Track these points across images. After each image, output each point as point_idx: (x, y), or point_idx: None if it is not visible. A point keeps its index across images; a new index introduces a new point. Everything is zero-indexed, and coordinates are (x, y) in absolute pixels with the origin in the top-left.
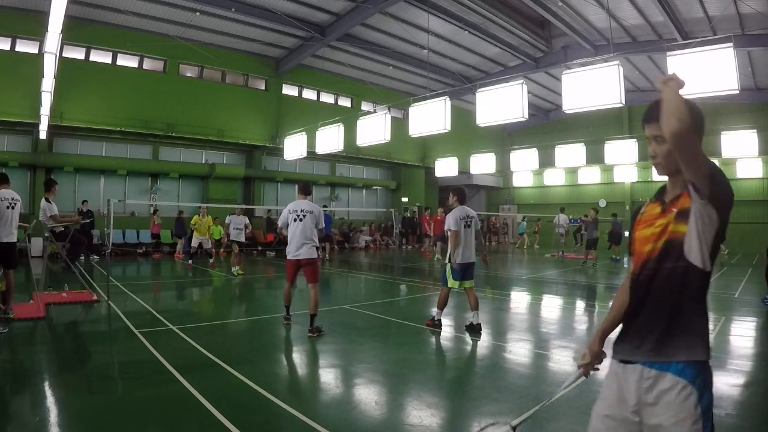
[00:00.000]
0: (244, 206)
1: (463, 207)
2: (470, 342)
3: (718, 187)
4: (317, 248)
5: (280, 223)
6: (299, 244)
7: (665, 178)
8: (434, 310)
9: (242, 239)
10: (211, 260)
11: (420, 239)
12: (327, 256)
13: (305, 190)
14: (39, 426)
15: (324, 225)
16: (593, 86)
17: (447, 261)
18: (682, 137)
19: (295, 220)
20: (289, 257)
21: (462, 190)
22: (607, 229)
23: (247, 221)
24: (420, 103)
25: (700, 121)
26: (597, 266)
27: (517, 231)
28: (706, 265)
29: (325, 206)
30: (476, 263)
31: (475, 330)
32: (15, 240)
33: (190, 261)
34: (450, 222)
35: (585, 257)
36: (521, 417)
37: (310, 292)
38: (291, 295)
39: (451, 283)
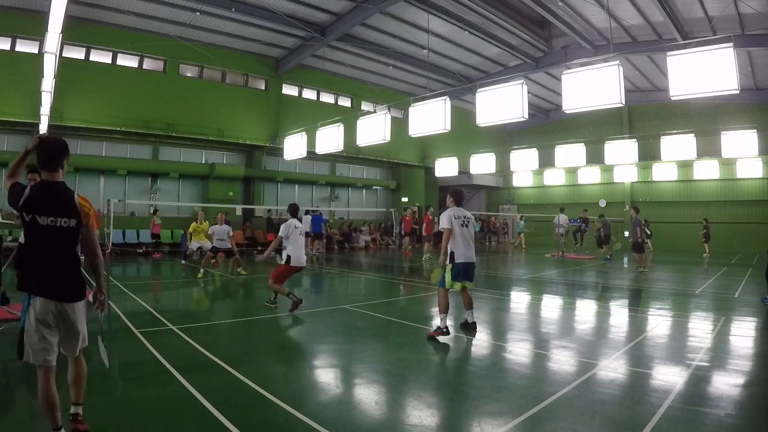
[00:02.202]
0: (242, 206)
1: (459, 208)
2: (470, 342)
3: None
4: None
5: (282, 233)
6: (302, 253)
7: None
8: (438, 317)
9: (228, 246)
10: (213, 260)
11: (420, 239)
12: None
13: (294, 212)
14: (39, 425)
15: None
16: (593, 86)
17: (448, 261)
18: None
19: (300, 234)
20: (298, 264)
21: (459, 191)
22: (598, 230)
23: (230, 230)
24: (420, 103)
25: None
26: (641, 270)
27: (515, 231)
28: None
29: (306, 210)
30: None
31: (470, 328)
32: None
33: (183, 261)
34: (443, 221)
35: (640, 264)
36: None
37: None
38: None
39: (449, 283)
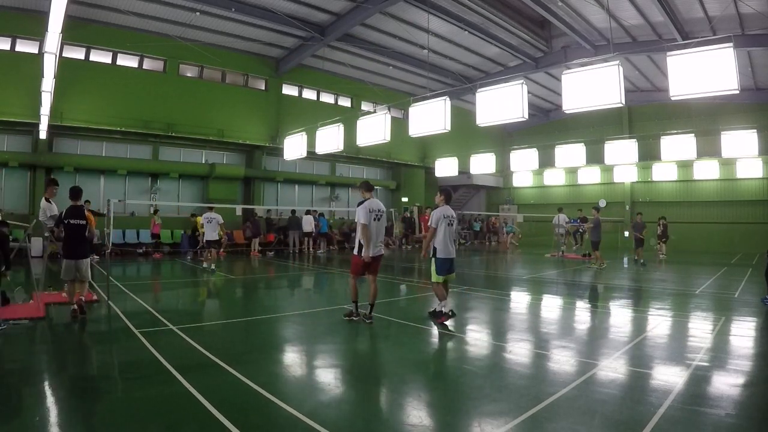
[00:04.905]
0: (242, 206)
1: (448, 207)
2: (470, 342)
3: None
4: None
5: (362, 218)
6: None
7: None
8: (440, 304)
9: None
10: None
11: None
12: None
13: (369, 188)
14: (39, 426)
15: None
16: (593, 86)
17: (432, 256)
18: None
19: (375, 219)
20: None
21: (448, 190)
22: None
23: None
24: (420, 103)
25: None
26: (596, 267)
27: (505, 230)
28: None
29: (307, 210)
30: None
31: (437, 316)
32: None
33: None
34: (433, 219)
35: (598, 262)
36: None
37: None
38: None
39: (436, 277)
